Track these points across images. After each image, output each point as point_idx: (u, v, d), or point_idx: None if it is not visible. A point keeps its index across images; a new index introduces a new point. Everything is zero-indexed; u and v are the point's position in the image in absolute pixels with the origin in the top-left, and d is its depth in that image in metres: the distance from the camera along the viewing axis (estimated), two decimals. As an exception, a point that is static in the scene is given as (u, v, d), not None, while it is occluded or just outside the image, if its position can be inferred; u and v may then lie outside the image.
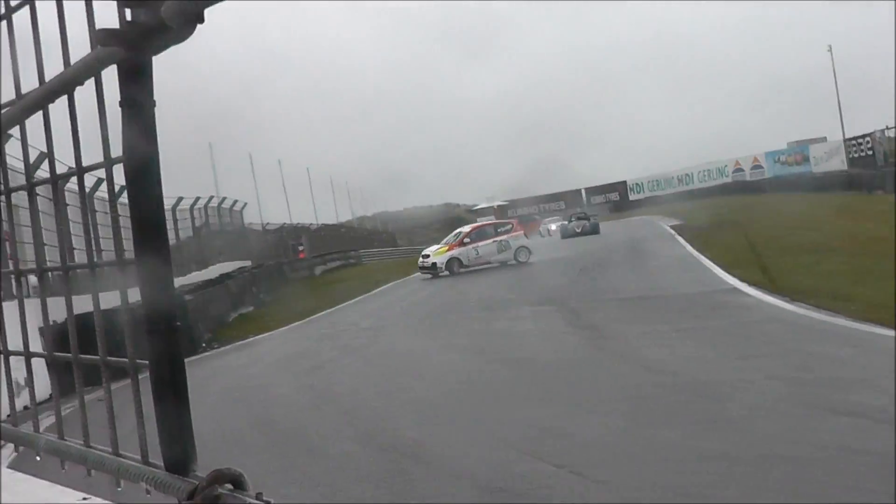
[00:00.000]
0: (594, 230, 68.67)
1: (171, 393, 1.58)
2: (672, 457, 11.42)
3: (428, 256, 51.30)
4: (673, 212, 66.99)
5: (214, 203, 55.39)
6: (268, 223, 74.02)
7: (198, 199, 50.38)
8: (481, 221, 64.88)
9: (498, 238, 51.13)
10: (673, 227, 53.99)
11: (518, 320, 26.66)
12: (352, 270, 64.06)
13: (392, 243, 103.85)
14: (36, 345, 2.19)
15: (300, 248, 71.28)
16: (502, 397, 16.47)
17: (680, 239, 46.18)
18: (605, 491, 10.33)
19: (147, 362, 1.60)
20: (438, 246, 52.68)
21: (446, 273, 49.30)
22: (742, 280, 28.61)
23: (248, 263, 53.97)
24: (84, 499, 2.06)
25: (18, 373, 2.29)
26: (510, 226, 53.80)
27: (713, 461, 11.05)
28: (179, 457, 1.59)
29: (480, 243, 50.96)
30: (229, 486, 1.48)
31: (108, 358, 1.81)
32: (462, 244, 51.12)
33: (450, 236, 53.93)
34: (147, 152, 1.58)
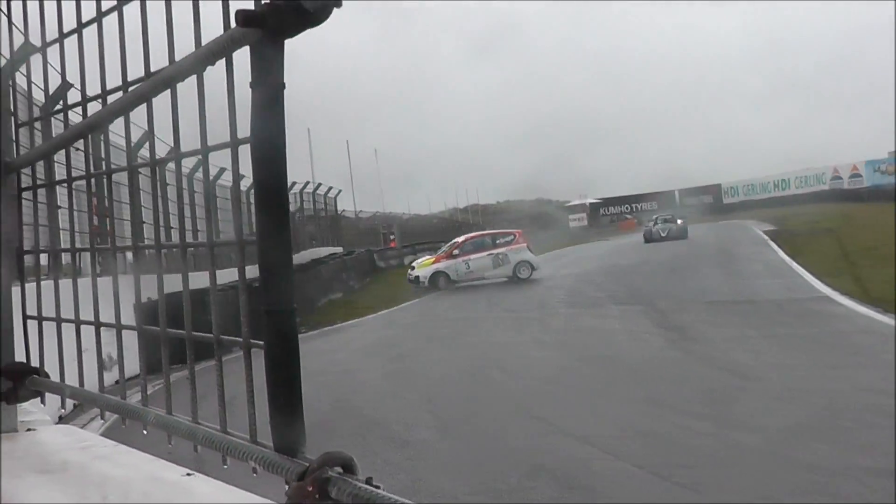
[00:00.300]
0: (681, 234, 61.32)
1: (285, 374, 1.60)
2: (755, 463, 11.29)
3: (413, 269, 45.36)
4: (767, 217, 65.91)
5: (310, 189, 55.85)
6: (361, 211, 74.48)
7: (294, 183, 50.78)
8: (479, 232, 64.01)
9: (495, 251, 44.68)
10: (766, 233, 53.18)
11: (604, 318, 26.51)
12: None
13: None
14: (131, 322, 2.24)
15: (391, 236, 71.58)
16: (585, 394, 16.41)
17: (773, 244, 45.51)
18: (685, 494, 10.24)
19: (261, 343, 1.61)
20: (427, 256, 47.21)
21: (428, 286, 42.91)
22: (834, 289, 28.14)
23: (339, 250, 54.37)
24: (188, 474, 2.09)
25: (127, 349, 2.33)
26: (512, 237, 46.05)
27: (797, 470, 10.90)
28: (289, 438, 1.60)
29: (473, 256, 44.50)
30: (339, 469, 1.49)
31: (222, 336, 1.84)
32: (451, 256, 44.88)
33: (445, 246, 47.80)
34: (275, 134, 1.59)
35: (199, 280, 2.09)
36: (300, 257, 44.44)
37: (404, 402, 16.87)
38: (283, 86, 1.62)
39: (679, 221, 65.03)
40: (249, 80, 1.60)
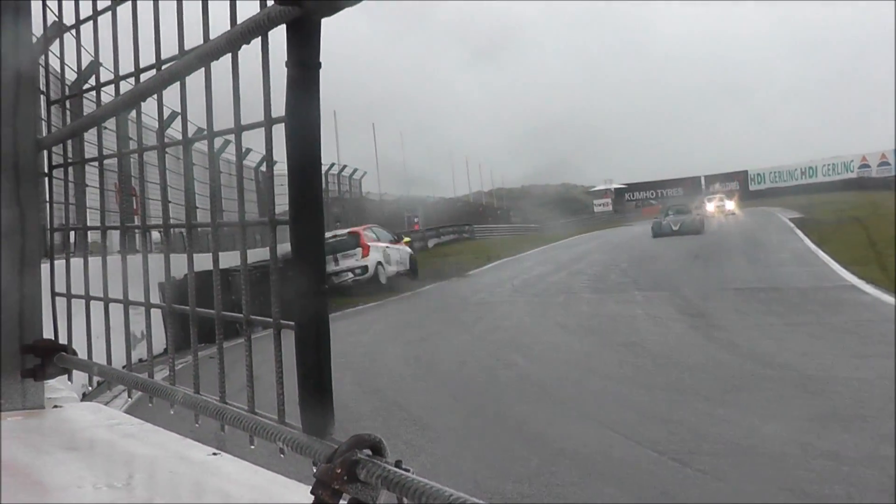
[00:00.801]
0: (696, 229, 54.12)
1: (315, 355, 1.59)
2: (776, 451, 11.26)
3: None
4: (794, 205, 65.58)
5: (335, 171, 55.92)
6: (385, 193, 74.58)
7: (319, 165, 50.71)
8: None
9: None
10: (792, 220, 52.94)
11: (628, 304, 26.48)
12: (465, 244, 64.32)
13: (506, 220, 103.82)
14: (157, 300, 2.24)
15: (415, 219, 71.63)
16: (608, 379, 16.40)
17: (799, 232, 45.32)
18: (706, 480, 10.23)
19: (292, 323, 1.61)
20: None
21: None
22: (860, 277, 28.00)
23: (364, 232, 54.46)
24: (214, 453, 2.09)
25: (157, 327, 2.33)
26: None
27: (819, 458, 10.86)
28: (318, 419, 1.60)
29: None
30: (368, 451, 1.48)
31: (252, 317, 1.84)
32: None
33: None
34: (311, 114, 1.59)
35: (223, 260, 2.08)
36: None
37: (426, 384, 16.91)
38: (319, 65, 1.62)
39: (693, 213, 59.05)
40: (285, 59, 1.60)
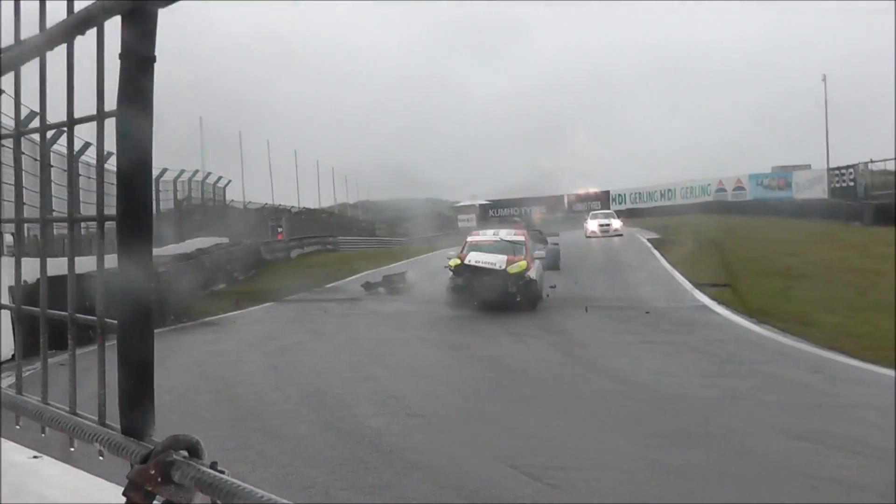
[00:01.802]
0: (551, 263, 36.97)
1: (137, 356, 1.56)
2: (627, 466, 11.47)
3: (497, 268, 29.50)
4: (653, 225, 66.83)
5: (199, 177, 55.16)
6: (250, 202, 73.80)
7: (182, 171, 50.10)
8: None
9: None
10: (651, 241, 54.02)
11: (490, 319, 26.68)
12: (328, 256, 63.95)
13: (372, 232, 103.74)
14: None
15: (279, 229, 71.02)
16: (465, 393, 16.52)
17: (656, 252, 46.28)
18: (557, 494, 10.35)
19: (115, 322, 1.58)
20: (497, 255, 30.45)
21: None
22: (712, 298, 28.76)
23: (225, 240, 53.76)
24: (35, 457, 2.04)
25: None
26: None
27: (668, 475, 11.09)
28: (137, 421, 1.57)
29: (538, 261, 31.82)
30: (184, 452, 1.46)
31: (77, 315, 1.79)
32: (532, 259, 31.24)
33: (488, 240, 32.46)
34: (143, 109, 1.56)
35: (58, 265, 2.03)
36: (185, 246, 43.80)
37: (284, 395, 16.75)
38: (153, 59, 1.59)
39: (548, 241, 40.65)
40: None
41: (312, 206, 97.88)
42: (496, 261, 29.53)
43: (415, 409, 15.06)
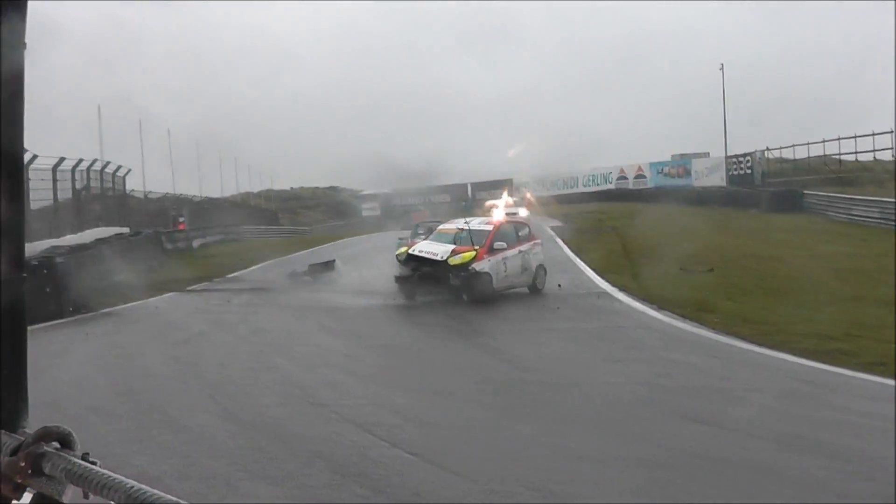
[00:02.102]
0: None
1: (8, 346, 1.54)
2: (529, 452, 11.59)
3: (439, 259, 28.06)
4: (556, 213, 67.27)
5: (97, 167, 54.17)
6: (150, 191, 72.79)
7: (80, 161, 49.12)
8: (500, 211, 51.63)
9: (521, 247, 29.79)
10: (553, 229, 54.42)
11: (393, 308, 26.67)
12: (231, 246, 63.33)
13: (275, 222, 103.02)
14: None
15: (181, 219, 70.16)
16: (368, 382, 16.51)
17: (559, 240, 46.63)
18: (457, 481, 10.41)
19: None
20: (445, 245, 28.84)
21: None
22: (614, 285, 29.11)
23: (126, 230, 52.92)
24: None
25: None
26: (527, 230, 31.58)
27: (569, 459, 11.23)
28: (9, 412, 1.54)
29: (509, 253, 28.98)
30: (56, 444, 1.44)
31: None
32: (491, 251, 28.48)
33: (453, 228, 29.79)
34: (13, 96, 1.53)
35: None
36: (84, 236, 43.05)
37: (185, 386, 16.59)
38: (23, 46, 1.57)
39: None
40: None
41: (215, 196, 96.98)
42: (439, 251, 28.29)
43: (318, 398, 15.03)
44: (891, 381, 15.45)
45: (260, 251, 51.39)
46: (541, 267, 30.29)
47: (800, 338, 19.31)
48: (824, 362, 17.15)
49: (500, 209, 52.43)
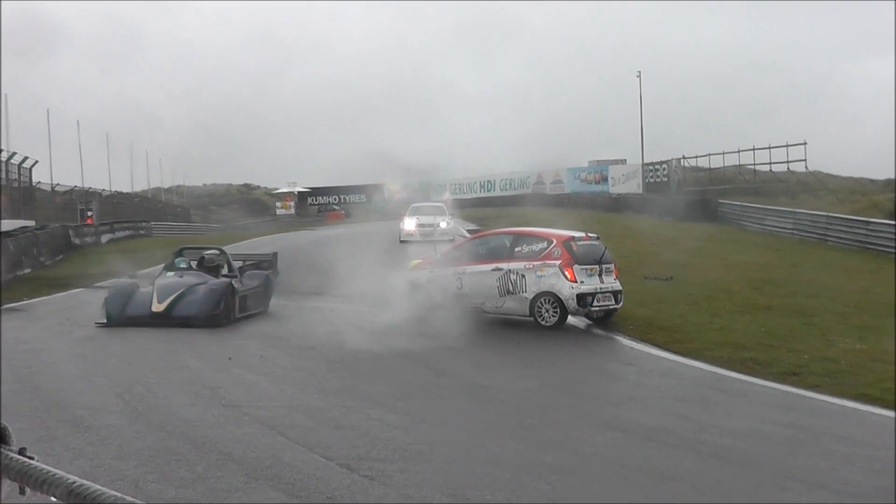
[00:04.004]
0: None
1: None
2: (444, 457, 11.62)
3: None
4: (472, 217, 67.24)
5: (3, 157, 53.20)
6: (58, 184, 71.71)
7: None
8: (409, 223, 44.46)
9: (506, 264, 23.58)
10: (470, 232, 54.35)
11: (304, 310, 26.48)
12: (141, 241, 62.55)
13: (186, 218, 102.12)
14: None
15: (89, 213, 69.21)
16: (281, 383, 16.40)
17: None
18: (371, 486, 10.39)
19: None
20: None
21: None
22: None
23: (31, 223, 52.02)
24: None
25: None
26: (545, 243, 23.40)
27: (484, 465, 11.25)
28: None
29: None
30: (-9, 438, 1.40)
31: None
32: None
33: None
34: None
35: None
36: (-14, 229, 42.22)
37: (92, 385, 16.32)
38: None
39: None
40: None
41: (125, 190, 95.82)
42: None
43: (230, 399, 14.89)
44: (802, 392, 15.83)
45: (169, 248, 50.68)
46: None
47: (714, 346, 19.61)
48: (737, 371, 17.45)
49: (409, 221, 47.72)
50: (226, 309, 23.68)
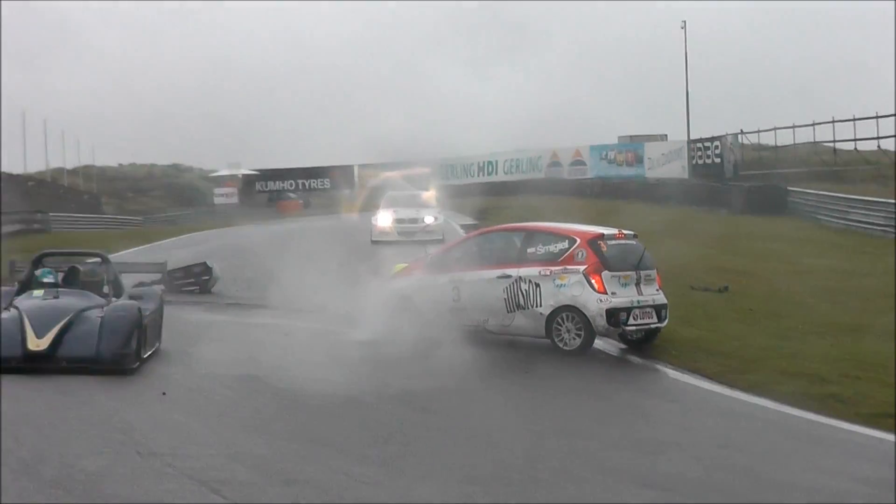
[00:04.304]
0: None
1: None
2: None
3: None
4: (471, 207, 66.37)
5: None
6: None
7: None
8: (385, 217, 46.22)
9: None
10: (463, 227, 54.08)
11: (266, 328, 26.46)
12: (35, 239, 62.31)
13: (97, 208, 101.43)
14: None
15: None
16: (216, 424, 16.33)
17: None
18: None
19: None
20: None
21: None
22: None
23: None
24: None
25: None
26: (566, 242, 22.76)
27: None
28: None
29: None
30: None
31: None
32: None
33: None
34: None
35: None
36: None
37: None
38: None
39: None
40: None
41: (15, 172, 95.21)
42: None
43: (148, 446, 14.81)
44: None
45: (76, 244, 50.62)
46: None
47: (782, 378, 19.44)
48: (814, 411, 17.27)
49: (383, 215, 47.35)
50: (139, 346, 20.35)
